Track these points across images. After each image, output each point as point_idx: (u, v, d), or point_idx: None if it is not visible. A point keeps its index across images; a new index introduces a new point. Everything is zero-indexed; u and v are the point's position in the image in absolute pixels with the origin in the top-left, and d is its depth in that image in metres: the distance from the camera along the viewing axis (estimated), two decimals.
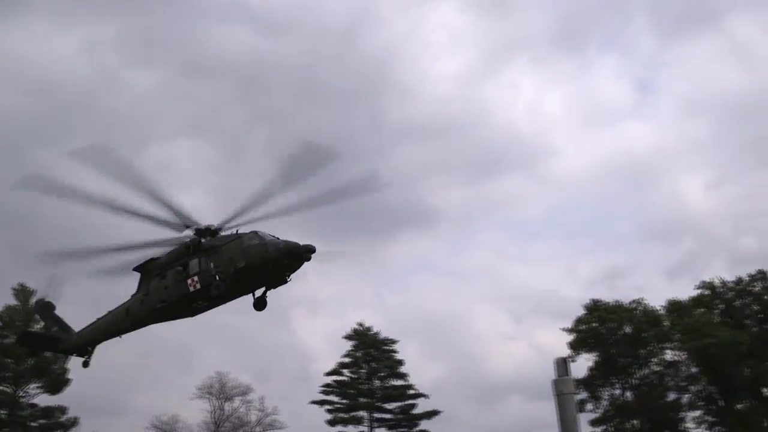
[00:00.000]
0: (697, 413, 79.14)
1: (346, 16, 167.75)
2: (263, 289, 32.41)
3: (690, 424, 79.53)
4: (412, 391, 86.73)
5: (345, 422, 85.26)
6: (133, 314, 34.84)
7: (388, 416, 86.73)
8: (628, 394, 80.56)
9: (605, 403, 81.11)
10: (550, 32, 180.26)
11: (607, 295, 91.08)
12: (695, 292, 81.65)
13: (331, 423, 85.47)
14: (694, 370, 78.88)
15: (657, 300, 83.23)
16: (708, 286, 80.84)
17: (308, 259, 31.52)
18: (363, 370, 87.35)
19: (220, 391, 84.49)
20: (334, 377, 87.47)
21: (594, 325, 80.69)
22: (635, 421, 78.75)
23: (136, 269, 34.87)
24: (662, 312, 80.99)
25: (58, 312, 40.09)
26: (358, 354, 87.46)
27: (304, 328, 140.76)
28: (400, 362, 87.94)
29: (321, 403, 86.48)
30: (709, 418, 78.27)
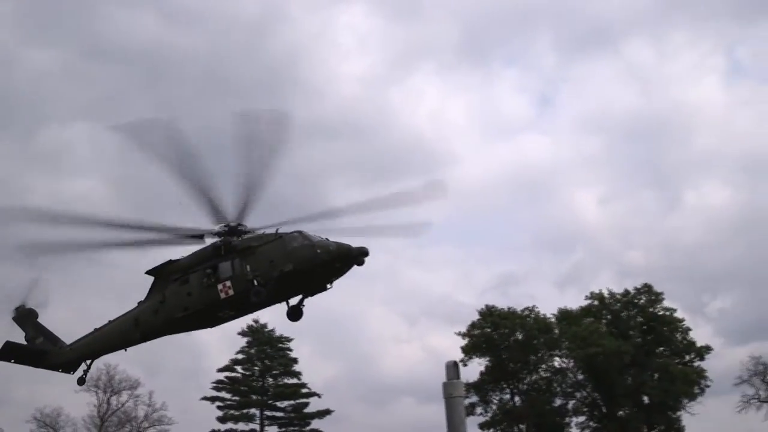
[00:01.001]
0: (581, 419, 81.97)
1: (256, 11, 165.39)
2: (300, 296, 29.12)
3: (574, 430, 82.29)
4: (305, 390, 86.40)
5: (236, 419, 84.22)
6: (144, 324, 30.47)
7: (280, 414, 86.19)
8: (517, 398, 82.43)
9: (494, 407, 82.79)
10: (457, 43, 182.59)
11: (501, 302, 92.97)
12: (585, 302, 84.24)
13: (222, 420, 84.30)
14: (580, 377, 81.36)
15: (548, 308, 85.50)
16: (597, 296, 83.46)
17: (361, 263, 28.38)
18: (256, 368, 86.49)
19: (107, 385, 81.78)
20: (227, 374, 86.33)
21: (487, 330, 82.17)
22: (522, 426, 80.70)
23: (150, 272, 30.59)
24: (553, 320, 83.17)
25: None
26: (252, 351, 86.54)
27: None
28: (294, 361, 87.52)
29: (212, 399, 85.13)
30: (592, 424, 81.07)
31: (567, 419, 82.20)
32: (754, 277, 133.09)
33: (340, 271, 28.19)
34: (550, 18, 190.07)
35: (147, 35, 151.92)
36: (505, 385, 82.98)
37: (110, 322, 32.04)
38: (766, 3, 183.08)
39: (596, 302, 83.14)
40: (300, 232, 28.45)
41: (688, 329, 79.27)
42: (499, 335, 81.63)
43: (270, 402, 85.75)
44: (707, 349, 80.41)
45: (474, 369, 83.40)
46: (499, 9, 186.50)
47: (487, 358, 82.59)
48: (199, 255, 29.83)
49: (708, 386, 78.66)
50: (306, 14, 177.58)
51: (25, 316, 34.52)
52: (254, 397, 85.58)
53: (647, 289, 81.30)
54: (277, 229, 28.97)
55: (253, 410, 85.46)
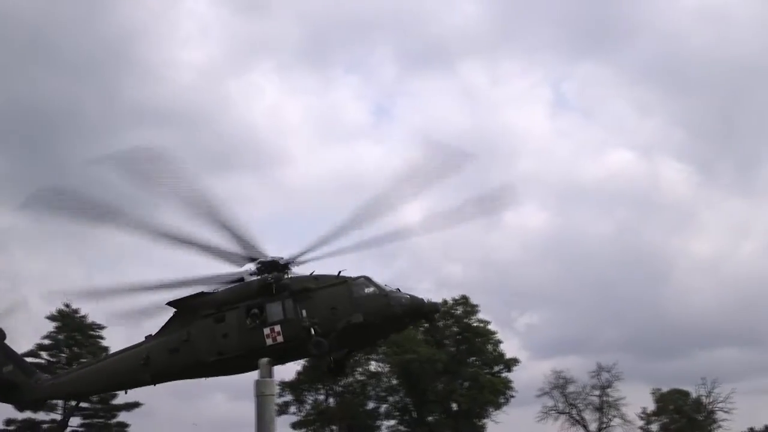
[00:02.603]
0: (392, 422, 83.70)
1: None
2: (348, 349, 26.34)
3: None
4: None
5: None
6: (157, 364, 25.67)
7: (85, 405, 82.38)
8: (332, 400, 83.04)
9: (308, 407, 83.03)
10: (300, 44, 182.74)
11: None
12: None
13: (20, 408, 79.52)
14: (394, 382, 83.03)
15: None
16: None
17: (432, 320, 26.57)
18: (63, 354, 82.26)
19: None
20: (31, 359, 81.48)
21: None
22: (335, 427, 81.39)
23: (172, 304, 25.76)
24: None
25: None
26: (60, 337, 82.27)
27: None
28: (105, 350, 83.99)
29: None
30: (402, 428, 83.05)
31: (378, 422, 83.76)
32: (560, 296, 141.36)
33: (407, 325, 26.24)
34: (392, 31, 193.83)
35: None
36: (320, 386, 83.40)
37: (108, 356, 27.53)
38: (588, 45, 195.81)
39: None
40: (367, 278, 25.65)
41: (499, 341, 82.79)
42: None
43: None
44: (515, 361, 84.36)
45: (290, 368, 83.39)
46: (343, 16, 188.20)
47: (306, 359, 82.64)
48: (240, 290, 25.96)
49: (513, 396, 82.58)
50: None
51: None
52: None
53: (464, 300, 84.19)
54: (339, 272, 25.86)
55: (56, 399, 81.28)
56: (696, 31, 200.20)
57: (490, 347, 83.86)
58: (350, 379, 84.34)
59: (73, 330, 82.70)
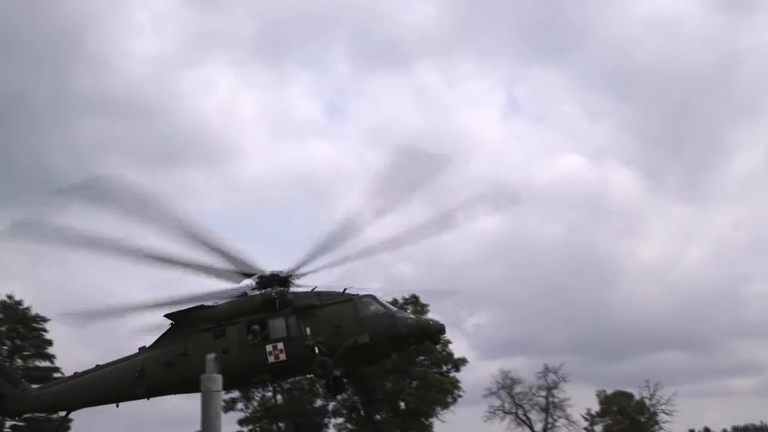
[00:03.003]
0: (340, 420, 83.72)
1: None
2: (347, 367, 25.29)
3: (332, 430, 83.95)
4: (57, 375, 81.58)
5: None
6: (152, 378, 24.73)
7: None
8: (279, 397, 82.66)
9: (256, 403, 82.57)
10: (255, 39, 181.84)
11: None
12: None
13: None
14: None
15: None
16: None
17: (437, 341, 26.00)
18: (5, 347, 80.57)
19: None
20: None
21: None
22: (282, 424, 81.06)
23: (170, 316, 25.03)
24: None
25: None
26: (2, 329, 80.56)
27: None
28: (49, 343, 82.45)
29: None
30: (350, 426, 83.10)
31: (326, 419, 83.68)
32: (509, 298, 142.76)
33: (411, 346, 24.78)
34: (348, 29, 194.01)
35: None
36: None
37: (99, 367, 25.84)
38: (542, 49, 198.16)
39: None
40: (373, 297, 25.01)
41: (448, 341, 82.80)
42: None
43: None
44: (463, 361, 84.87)
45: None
46: (299, 12, 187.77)
47: None
48: (241, 305, 25.23)
49: (460, 396, 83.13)
50: None
51: None
52: None
53: (414, 300, 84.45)
54: (345, 289, 25.29)
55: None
56: (647, 39, 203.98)
57: (438, 347, 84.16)
58: (299, 377, 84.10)
59: (15, 322, 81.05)
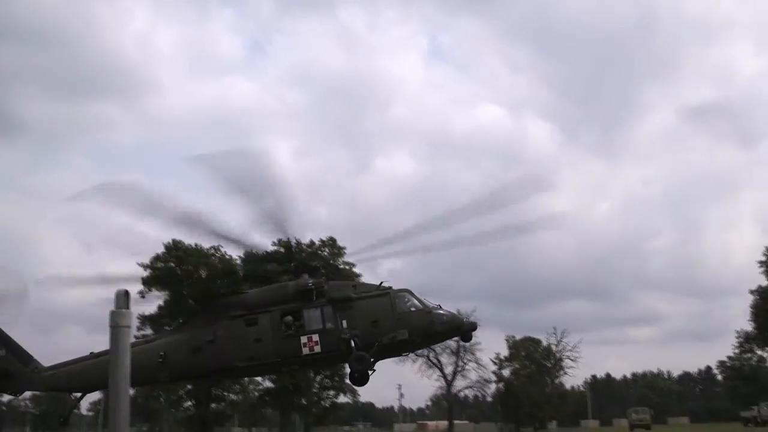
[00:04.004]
0: None
1: None
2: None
3: None
4: None
5: None
6: (176, 364, 23.54)
7: None
8: None
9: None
10: None
11: (185, 238, 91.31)
12: (272, 248, 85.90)
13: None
14: None
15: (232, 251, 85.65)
16: (284, 244, 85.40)
17: (469, 338, 24.97)
18: None
19: None
20: None
21: (171, 264, 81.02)
22: None
23: (199, 300, 24.41)
24: (238, 262, 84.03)
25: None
26: None
27: None
28: None
29: None
30: None
31: None
32: (424, 243, 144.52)
33: (442, 341, 24.21)
34: None
35: None
36: (181, 321, 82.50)
37: None
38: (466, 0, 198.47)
39: (283, 249, 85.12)
40: (409, 292, 24.36)
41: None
42: (183, 271, 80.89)
43: None
44: None
45: (153, 302, 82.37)
46: None
47: (168, 293, 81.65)
48: (274, 293, 24.52)
49: None
50: None
51: None
52: None
53: (332, 242, 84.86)
54: (381, 282, 24.74)
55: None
56: None
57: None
58: None
59: None
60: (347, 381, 75.22)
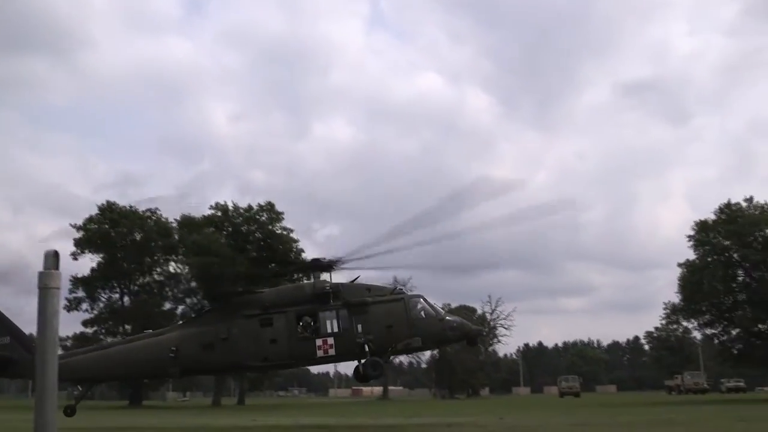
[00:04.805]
0: None
1: None
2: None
3: None
4: None
5: None
6: (188, 359, 22.94)
7: None
8: (127, 299, 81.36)
9: (102, 304, 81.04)
10: None
11: (118, 200, 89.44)
12: (208, 212, 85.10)
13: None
14: (193, 284, 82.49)
15: (167, 213, 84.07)
16: (221, 208, 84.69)
17: (475, 343, 25.85)
18: None
19: None
20: None
21: (105, 227, 79.49)
22: (128, 326, 79.97)
23: (214, 297, 24.46)
24: (174, 225, 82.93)
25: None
26: None
27: None
28: None
29: None
30: None
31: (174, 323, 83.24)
32: (361, 210, 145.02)
33: (449, 345, 24.28)
34: None
35: None
36: (115, 284, 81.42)
37: (128, 340, 24.28)
38: None
39: (219, 213, 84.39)
40: (423, 298, 24.20)
41: (302, 250, 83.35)
42: (117, 233, 79.50)
43: None
44: None
45: (86, 264, 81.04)
46: None
47: (101, 255, 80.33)
48: (290, 293, 24.09)
49: None
50: None
51: None
52: None
53: (270, 207, 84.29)
54: (395, 287, 25.04)
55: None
56: None
57: (292, 255, 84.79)
58: (147, 279, 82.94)
59: None
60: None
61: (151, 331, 24.85)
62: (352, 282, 24.52)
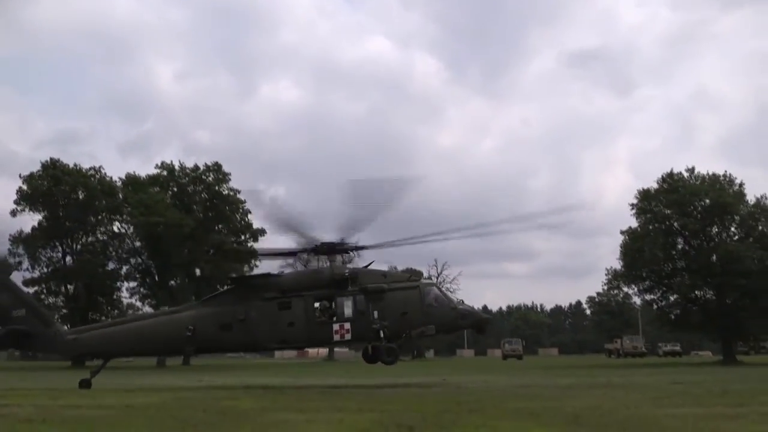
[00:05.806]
0: (133, 284, 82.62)
1: None
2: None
3: (125, 293, 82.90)
4: None
5: None
6: (204, 337, 23.29)
7: None
8: (69, 258, 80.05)
9: (44, 264, 79.60)
10: None
11: (59, 157, 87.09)
12: (154, 171, 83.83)
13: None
14: (137, 244, 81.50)
15: (109, 172, 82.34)
16: (167, 167, 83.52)
17: (484, 331, 26.52)
18: None
19: None
20: None
21: (46, 184, 77.72)
22: (71, 286, 78.80)
23: (235, 280, 25.53)
24: (119, 184, 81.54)
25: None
26: None
27: None
28: None
29: None
30: (143, 290, 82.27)
31: (118, 283, 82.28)
32: (307, 171, 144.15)
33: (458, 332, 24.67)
34: None
35: None
36: (57, 244, 79.95)
37: (143, 316, 25.03)
38: None
39: (165, 173, 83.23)
40: (437, 286, 25.38)
41: (248, 211, 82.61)
42: (59, 191, 77.86)
43: None
44: (263, 231, 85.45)
45: (26, 222, 79.42)
46: None
47: (43, 214, 78.69)
48: (308, 278, 24.91)
49: (257, 266, 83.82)
50: None
51: None
52: None
53: (217, 167, 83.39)
54: (410, 276, 25.73)
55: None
56: None
57: (238, 216, 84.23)
58: (91, 239, 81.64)
59: None
60: None
61: (167, 308, 25.38)
62: (367, 267, 25.38)
